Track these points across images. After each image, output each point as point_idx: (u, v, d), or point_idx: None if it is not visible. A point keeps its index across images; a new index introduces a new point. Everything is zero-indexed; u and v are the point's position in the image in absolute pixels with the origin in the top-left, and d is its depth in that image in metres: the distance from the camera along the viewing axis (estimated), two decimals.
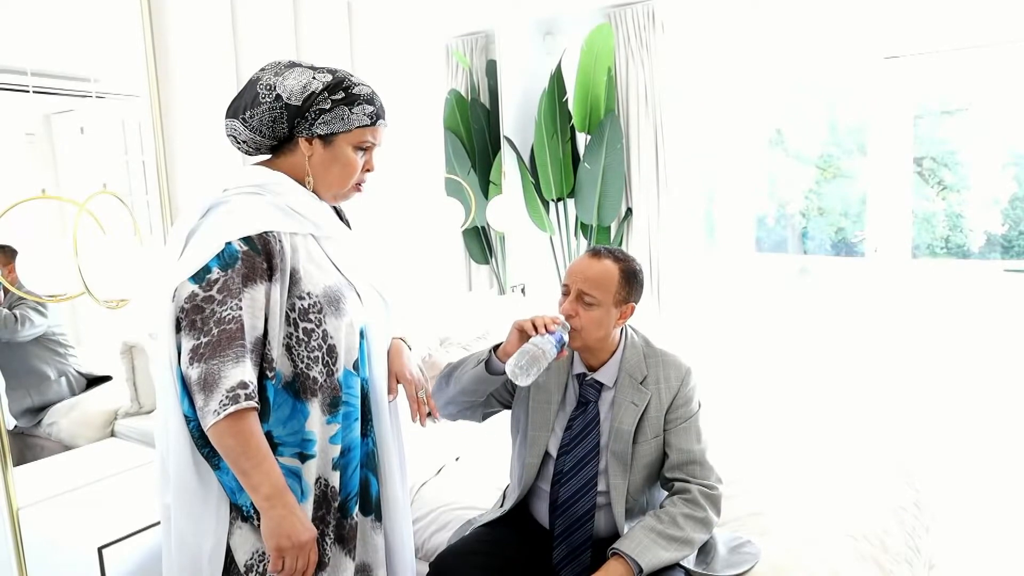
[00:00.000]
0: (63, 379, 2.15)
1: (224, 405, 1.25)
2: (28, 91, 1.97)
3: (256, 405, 1.29)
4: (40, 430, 2.09)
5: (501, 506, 1.90)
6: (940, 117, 3.68)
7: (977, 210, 3.68)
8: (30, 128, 2.07)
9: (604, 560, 1.64)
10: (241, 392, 1.26)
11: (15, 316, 1.99)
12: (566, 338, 1.60)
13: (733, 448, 2.37)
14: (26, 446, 2.04)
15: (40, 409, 2.10)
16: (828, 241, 4.17)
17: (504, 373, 1.63)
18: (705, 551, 1.76)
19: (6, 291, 1.96)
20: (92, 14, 2.09)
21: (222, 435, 1.27)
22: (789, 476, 2.19)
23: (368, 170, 1.51)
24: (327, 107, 1.40)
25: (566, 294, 1.71)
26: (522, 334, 1.60)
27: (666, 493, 1.75)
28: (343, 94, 1.42)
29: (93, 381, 2.22)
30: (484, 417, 1.88)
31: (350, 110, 1.42)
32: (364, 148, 1.47)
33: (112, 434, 2.21)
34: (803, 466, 2.25)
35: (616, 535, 1.68)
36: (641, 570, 1.56)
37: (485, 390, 1.73)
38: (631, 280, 1.70)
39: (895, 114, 3.47)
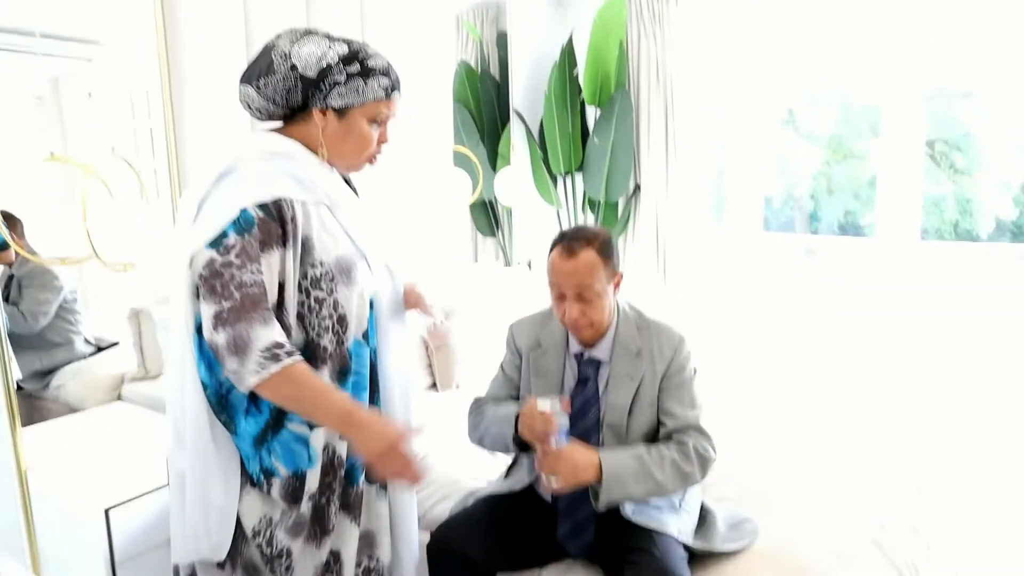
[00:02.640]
0: (73, 345, 2.16)
1: (262, 364, 1.26)
2: (36, 54, 1.96)
3: (299, 358, 1.31)
4: (47, 392, 2.11)
5: (506, 477, 1.92)
6: (955, 98, 3.63)
7: (988, 194, 3.64)
8: (39, 92, 2.06)
9: (609, 535, 1.67)
10: (279, 351, 1.27)
11: (23, 314, 2.01)
12: (567, 422, 1.59)
13: (737, 428, 2.38)
14: (33, 408, 2.06)
15: (48, 372, 2.12)
16: (836, 222, 4.15)
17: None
18: (705, 527, 1.77)
19: (17, 255, 1.97)
20: None
21: (273, 392, 1.30)
22: (792, 457, 2.20)
23: (383, 142, 1.50)
24: (342, 80, 1.39)
25: (560, 298, 1.71)
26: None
27: None
28: (358, 66, 1.40)
29: (101, 347, 2.24)
30: None
31: (365, 83, 1.40)
32: (379, 121, 1.46)
33: (119, 398, 2.23)
34: (806, 448, 2.26)
35: (617, 508, 1.69)
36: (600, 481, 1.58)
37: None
38: (610, 253, 1.70)
39: (908, 95, 3.43)
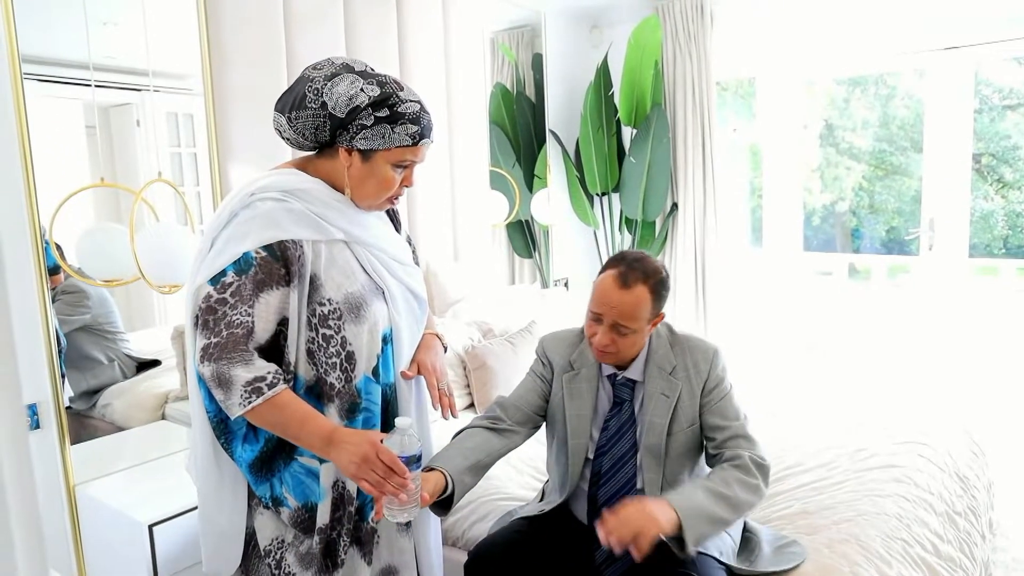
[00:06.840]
0: (115, 364, 2.22)
1: (246, 399, 1.30)
2: (90, 85, 2.04)
3: (282, 387, 1.33)
4: (95, 411, 2.17)
5: (540, 500, 1.90)
6: (1001, 111, 3.54)
7: None
8: (90, 121, 2.14)
9: (647, 559, 1.61)
10: (260, 384, 1.31)
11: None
12: (415, 448, 1.38)
13: (781, 448, 2.33)
14: (82, 426, 2.12)
15: (95, 392, 2.18)
16: (879, 239, 4.06)
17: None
18: (749, 549, 1.73)
19: (66, 275, 2.03)
20: (150, 10, 2.15)
21: (258, 419, 1.34)
22: (838, 477, 2.14)
23: (406, 185, 1.49)
24: (369, 123, 1.38)
25: (598, 321, 1.66)
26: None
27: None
28: (387, 111, 1.39)
29: (143, 365, 2.29)
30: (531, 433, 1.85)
31: (392, 128, 1.39)
32: (403, 166, 1.45)
33: (163, 417, 2.28)
34: (853, 467, 2.20)
35: None
36: (680, 526, 1.47)
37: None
38: (661, 294, 1.66)
39: (953, 108, 3.36)
